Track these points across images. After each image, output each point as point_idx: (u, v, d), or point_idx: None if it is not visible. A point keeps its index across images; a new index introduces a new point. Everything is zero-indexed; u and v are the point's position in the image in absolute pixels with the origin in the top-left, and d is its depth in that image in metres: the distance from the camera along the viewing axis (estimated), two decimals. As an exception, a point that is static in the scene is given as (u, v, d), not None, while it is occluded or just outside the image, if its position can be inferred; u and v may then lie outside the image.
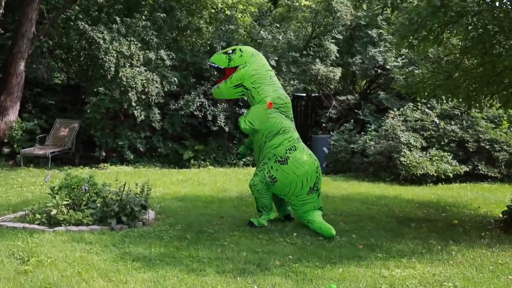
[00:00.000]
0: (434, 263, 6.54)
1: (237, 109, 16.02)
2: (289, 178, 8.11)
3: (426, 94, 9.55)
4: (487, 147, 13.86)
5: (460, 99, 9.59)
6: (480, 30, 7.62)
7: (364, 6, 16.02)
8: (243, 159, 15.36)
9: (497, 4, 7.71)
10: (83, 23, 14.95)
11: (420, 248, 7.19)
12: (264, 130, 8.21)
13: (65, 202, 7.84)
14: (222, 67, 8.54)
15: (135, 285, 5.49)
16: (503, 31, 7.48)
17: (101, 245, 6.82)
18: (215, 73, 14.16)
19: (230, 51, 8.55)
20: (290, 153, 8.15)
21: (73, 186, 8.06)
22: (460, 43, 9.20)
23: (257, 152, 8.49)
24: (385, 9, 8.73)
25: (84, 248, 6.67)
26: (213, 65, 8.66)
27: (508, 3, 7.72)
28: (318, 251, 6.89)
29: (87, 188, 8.00)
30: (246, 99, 8.78)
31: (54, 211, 7.67)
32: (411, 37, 7.92)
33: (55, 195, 7.96)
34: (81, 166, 14.47)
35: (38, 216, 7.79)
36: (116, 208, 7.79)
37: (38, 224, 7.65)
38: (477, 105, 9.70)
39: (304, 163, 8.15)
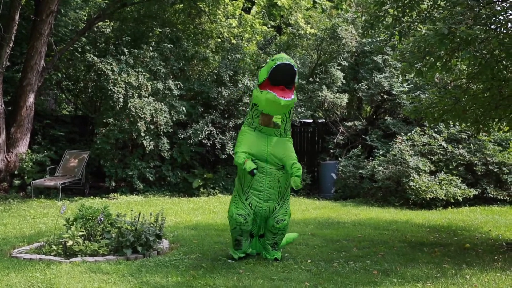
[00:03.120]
0: (450, 287, 6.57)
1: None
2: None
3: (434, 119, 9.65)
4: (496, 170, 13.89)
5: (469, 124, 9.69)
6: (487, 56, 7.74)
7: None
8: None
9: (503, 30, 7.83)
10: (91, 55, 15.16)
11: (435, 273, 7.21)
12: None
13: (80, 233, 7.90)
14: (295, 83, 7.58)
15: (155, 315, 5.54)
16: (510, 56, 7.59)
17: (118, 275, 6.86)
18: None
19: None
20: None
21: (88, 217, 8.13)
22: (466, 68, 9.34)
23: (283, 188, 7.72)
24: (392, 37, 8.91)
25: (102, 278, 6.72)
26: (295, 74, 7.46)
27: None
28: (333, 277, 6.92)
29: (102, 219, 8.06)
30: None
31: (70, 242, 7.74)
32: (419, 64, 8.04)
33: (71, 226, 8.03)
34: (91, 197, 14.54)
35: (54, 247, 7.85)
36: (131, 238, 7.85)
37: (55, 255, 7.70)
38: (485, 129, 9.80)
39: None
